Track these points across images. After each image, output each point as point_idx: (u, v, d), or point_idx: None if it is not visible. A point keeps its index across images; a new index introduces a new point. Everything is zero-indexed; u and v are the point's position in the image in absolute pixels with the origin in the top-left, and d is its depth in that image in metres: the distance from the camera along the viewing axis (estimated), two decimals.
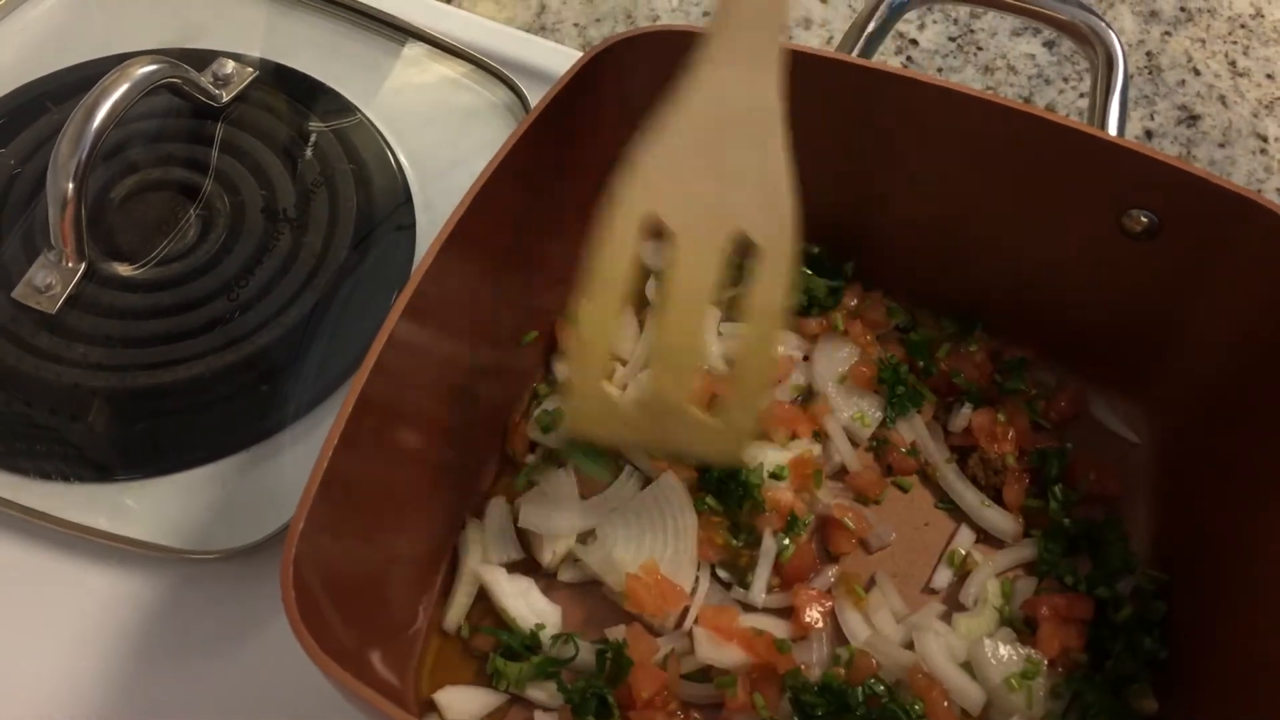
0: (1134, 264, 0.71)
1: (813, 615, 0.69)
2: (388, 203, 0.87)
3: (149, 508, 0.73)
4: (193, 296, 0.80)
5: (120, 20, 0.96)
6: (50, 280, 0.77)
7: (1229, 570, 0.67)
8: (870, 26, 0.74)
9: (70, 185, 0.75)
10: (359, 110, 0.92)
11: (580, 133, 0.72)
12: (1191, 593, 0.69)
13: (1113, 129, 0.73)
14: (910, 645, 0.68)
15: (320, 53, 0.96)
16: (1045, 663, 0.66)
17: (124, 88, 0.76)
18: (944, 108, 0.69)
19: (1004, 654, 0.67)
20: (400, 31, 0.97)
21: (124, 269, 0.81)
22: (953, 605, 0.71)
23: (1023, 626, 0.69)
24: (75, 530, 0.71)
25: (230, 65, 0.90)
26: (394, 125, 0.92)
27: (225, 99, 0.89)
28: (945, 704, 0.65)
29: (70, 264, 0.78)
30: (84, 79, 0.88)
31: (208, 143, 0.87)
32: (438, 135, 0.92)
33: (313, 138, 0.89)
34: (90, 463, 0.74)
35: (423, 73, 0.96)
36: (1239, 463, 0.69)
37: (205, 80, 0.88)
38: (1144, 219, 0.69)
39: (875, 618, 0.70)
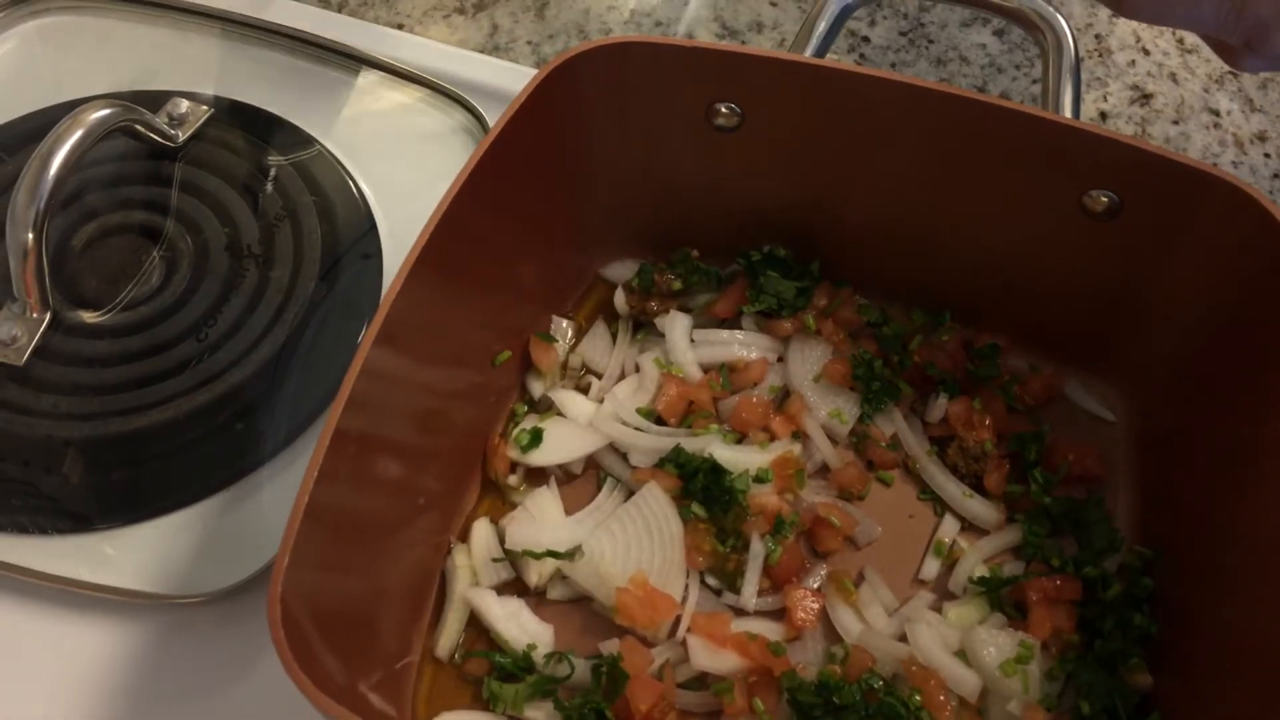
0: (1098, 244, 0.72)
1: (805, 615, 0.69)
2: (352, 232, 0.87)
3: (130, 555, 0.72)
4: (161, 339, 0.79)
5: (71, 67, 0.95)
6: (16, 332, 0.77)
7: (1213, 542, 0.67)
8: (821, 26, 0.74)
9: (30, 235, 0.74)
10: (317, 141, 0.92)
11: (541, 149, 0.72)
12: (1178, 566, 0.70)
13: (1067, 112, 0.74)
14: (903, 638, 0.68)
15: (275, 87, 0.95)
16: (1038, 646, 0.67)
17: (78, 134, 0.76)
18: (900, 102, 0.69)
19: (997, 640, 0.67)
20: (353, 60, 0.96)
21: (90, 316, 0.80)
22: (942, 595, 0.72)
23: (1013, 611, 0.70)
24: (57, 583, 0.70)
25: (185, 104, 0.90)
26: (353, 154, 0.92)
27: (182, 139, 0.88)
28: (942, 694, 0.65)
29: (35, 315, 0.77)
30: (37, 127, 0.87)
31: (167, 183, 0.87)
32: (398, 161, 0.92)
33: (272, 172, 0.89)
34: (68, 514, 0.73)
35: (379, 100, 0.96)
36: (1215, 434, 0.70)
37: (160, 121, 0.87)
38: (1104, 199, 0.69)
39: (867, 613, 0.70)
